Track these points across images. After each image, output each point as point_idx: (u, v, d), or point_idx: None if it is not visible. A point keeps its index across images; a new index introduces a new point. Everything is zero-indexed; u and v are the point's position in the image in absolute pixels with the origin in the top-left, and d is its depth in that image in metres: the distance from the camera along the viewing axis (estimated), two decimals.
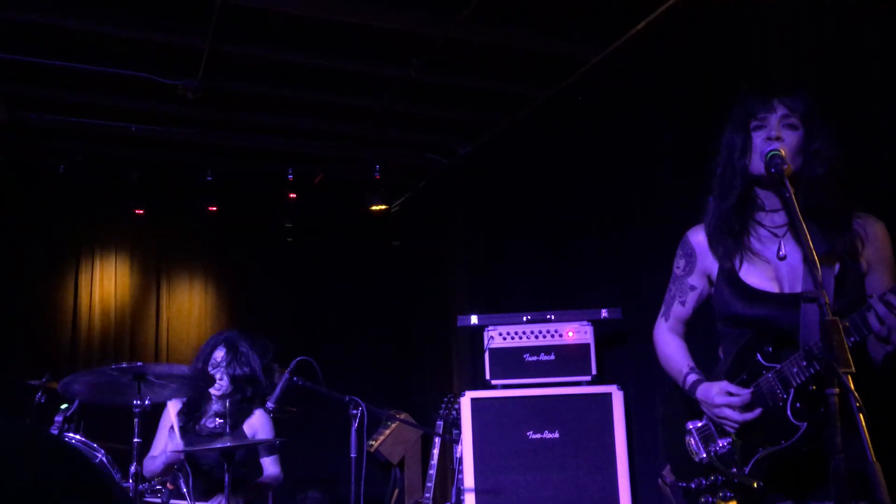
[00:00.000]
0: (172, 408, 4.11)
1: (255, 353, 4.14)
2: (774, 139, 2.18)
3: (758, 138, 2.23)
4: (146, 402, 3.46)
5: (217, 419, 4.02)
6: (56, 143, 6.33)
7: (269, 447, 4.14)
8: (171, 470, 3.85)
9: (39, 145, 6.39)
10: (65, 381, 3.45)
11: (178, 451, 3.75)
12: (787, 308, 2.18)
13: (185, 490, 3.55)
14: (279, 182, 7.01)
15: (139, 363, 3.45)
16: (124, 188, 6.93)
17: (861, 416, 1.63)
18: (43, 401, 4.54)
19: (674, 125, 4.46)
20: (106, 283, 7.25)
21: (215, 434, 3.93)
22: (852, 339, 1.95)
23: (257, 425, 4.13)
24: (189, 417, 4.08)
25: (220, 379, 4.04)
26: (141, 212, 7.08)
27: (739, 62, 3.99)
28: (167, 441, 3.98)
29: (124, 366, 3.44)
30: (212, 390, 4.09)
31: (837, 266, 2.17)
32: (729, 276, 2.30)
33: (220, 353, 4.09)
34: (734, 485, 2.20)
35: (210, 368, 4.05)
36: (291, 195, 7.18)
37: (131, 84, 5.20)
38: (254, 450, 4.11)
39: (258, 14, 4.39)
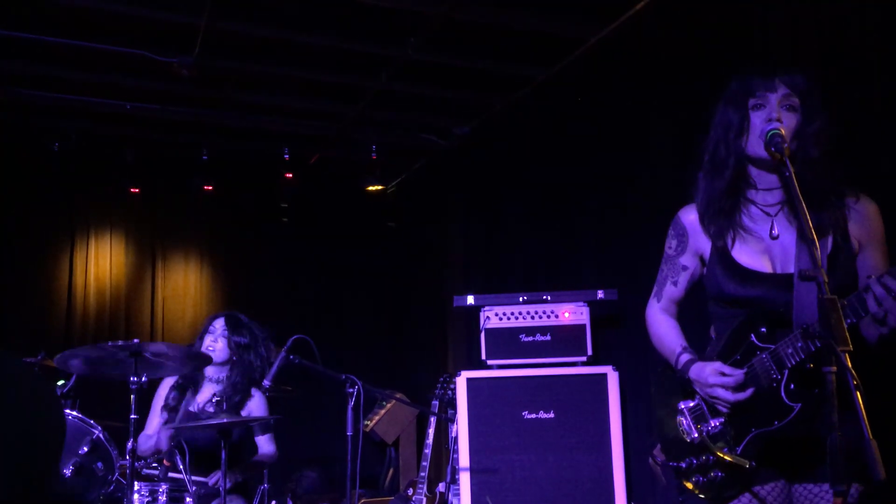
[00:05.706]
0: (165, 387, 4.16)
1: (255, 326, 4.21)
2: (775, 120, 2.13)
3: (756, 118, 2.18)
4: (143, 378, 3.52)
5: (214, 398, 4.04)
6: (50, 120, 6.28)
7: (264, 426, 4.17)
8: (159, 451, 3.88)
9: (33, 123, 6.34)
10: (63, 354, 3.51)
11: (172, 427, 3.80)
12: (780, 288, 2.16)
13: (181, 467, 3.57)
14: (275, 162, 6.99)
15: (136, 340, 3.48)
16: (119, 167, 6.90)
17: (858, 394, 1.64)
18: None
19: (673, 106, 4.45)
20: (101, 262, 7.23)
21: (211, 414, 3.96)
22: (848, 320, 1.92)
23: (253, 406, 4.17)
24: (182, 398, 4.11)
25: (215, 342, 4.08)
26: (136, 191, 7.05)
27: (739, 43, 3.97)
28: (159, 419, 4.05)
29: (121, 343, 3.48)
30: (207, 369, 4.10)
31: (830, 245, 2.15)
32: (721, 256, 2.27)
33: (219, 322, 4.17)
34: (726, 464, 2.19)
35: (208, 336, 4.11)
36: (287, 175, 7.16)
37: (126, 61, 5.16)
38: (249, 429, 4.14)
39: None
